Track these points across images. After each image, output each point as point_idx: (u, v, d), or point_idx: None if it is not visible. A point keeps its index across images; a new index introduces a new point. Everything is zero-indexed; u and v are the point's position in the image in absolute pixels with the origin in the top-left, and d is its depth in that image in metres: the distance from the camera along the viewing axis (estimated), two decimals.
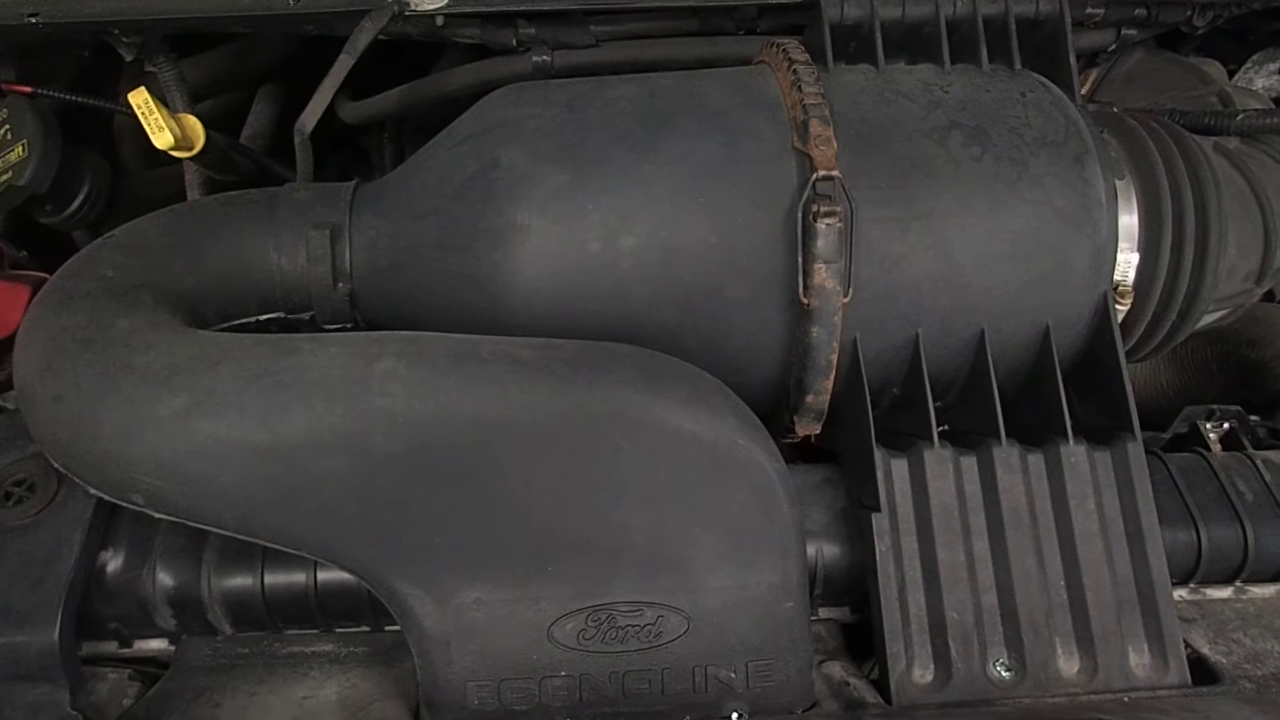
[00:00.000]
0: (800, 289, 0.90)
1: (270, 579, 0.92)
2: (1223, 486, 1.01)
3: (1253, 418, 1.12)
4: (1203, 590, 1.00)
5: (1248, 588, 1.00)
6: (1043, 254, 0.95)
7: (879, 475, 0.92)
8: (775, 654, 0.85)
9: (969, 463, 0.93)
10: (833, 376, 0.94)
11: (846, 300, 0.91)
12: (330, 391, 0.80)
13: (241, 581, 0.92)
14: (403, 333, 0.87)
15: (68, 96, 1.10)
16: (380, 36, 1.14)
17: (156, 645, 0.96)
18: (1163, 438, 1.10)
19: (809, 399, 0.96)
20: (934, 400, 1.02)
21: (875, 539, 0.90)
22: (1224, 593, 1.00)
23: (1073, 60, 1.05)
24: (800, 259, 0.90)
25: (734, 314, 0.94)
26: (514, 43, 1.16)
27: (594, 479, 0.82)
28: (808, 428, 1.00)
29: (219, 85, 1.36)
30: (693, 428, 0.82)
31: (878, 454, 0.92)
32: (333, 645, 0.95)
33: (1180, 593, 1.00)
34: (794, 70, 0.97)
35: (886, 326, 0.96)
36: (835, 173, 0.90)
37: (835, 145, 0.92)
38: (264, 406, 0.79)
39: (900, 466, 0.93)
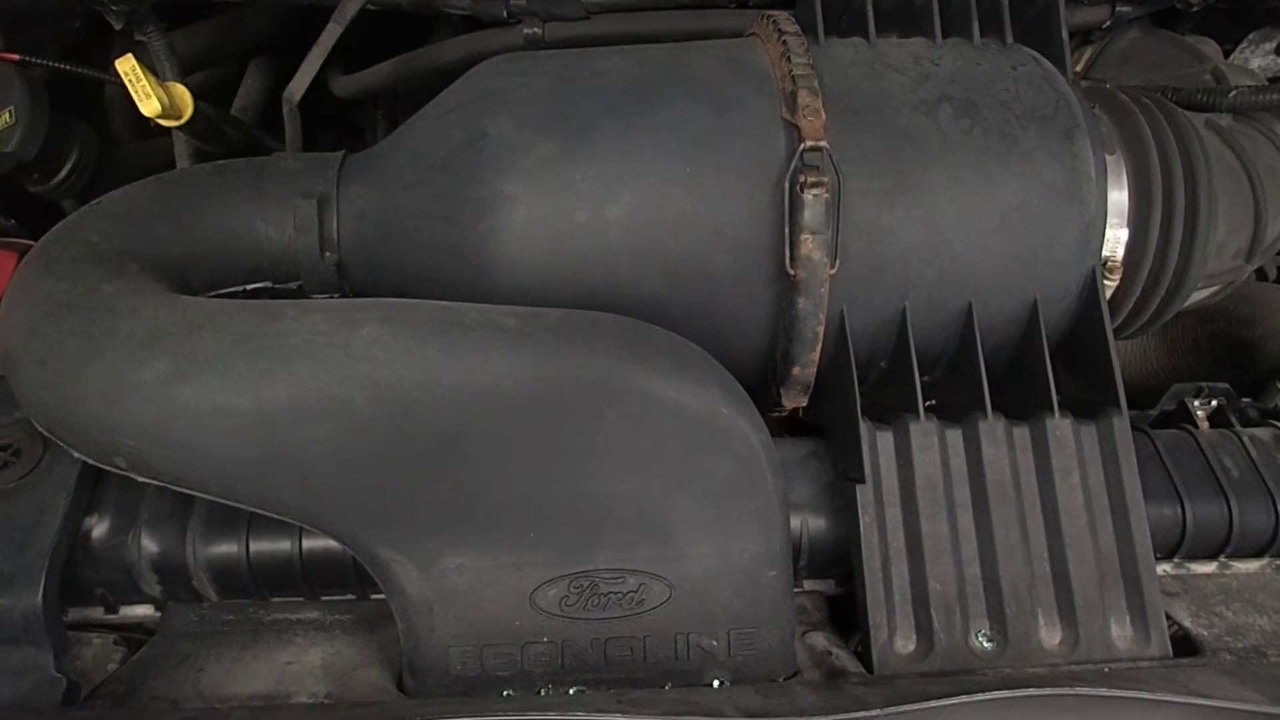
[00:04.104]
0: (787, 260, 0.90)
1: (255, 546, 0.92)
2: (1209, 463, 1.01)
3: (1244, 400, 1.12)
4: (1187, 565, 1.00)
5: (1231, 563, 1.00)
6: (1031, 228, 0.95)
7: (864, 447, 0.92)
8: (757, 623, 0.85)
9: (954, 436, 0.93)
10: (819, 349, 0.94)
11: (833, 272, 0.91)
12: (313, 357, 0.80)
13: (227, 548, 0.92)
14: (387, 299, 0.87)
15: (56, 64, 1.10)
16: (370, 6, 1.14)
17: (143, 611, 0.97)
18: (1150, 415, 1.10)
19: (795, 371, 0.96)
20: (921, 374, 1.02)
21: (859, 510, 0.90)
22: (1208, 568, 1.00)
23: (1065, 35, 1.04)
24: (787, 230, 0.90)
25: (721, 285, 0.94)
26: (505, 14, 1.16)
27: (577, 447, 0.82)
28: (794, 401, 1.00)
29: (211, 57, 1.35)
30: (677, 397, 0.82)
31: (863, 426, 0.92)
32: (318, 613, 0.95)
33: (1164, 567, 1.00)
34: (784, 42, 0.96)
35: (874, 299, 0.96)
36: (823, 143, 0.89)
37: (824, 116, 0.91)
38: (247, 371, 0.79)
39: (885, 439, 0.93)
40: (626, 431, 0.82)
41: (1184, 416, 1.11)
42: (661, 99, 0.95)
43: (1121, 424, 0.94)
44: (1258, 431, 1.05)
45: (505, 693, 0.83)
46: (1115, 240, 1.01)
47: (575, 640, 0.84)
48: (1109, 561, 0.91)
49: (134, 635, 0.97)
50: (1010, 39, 1.04)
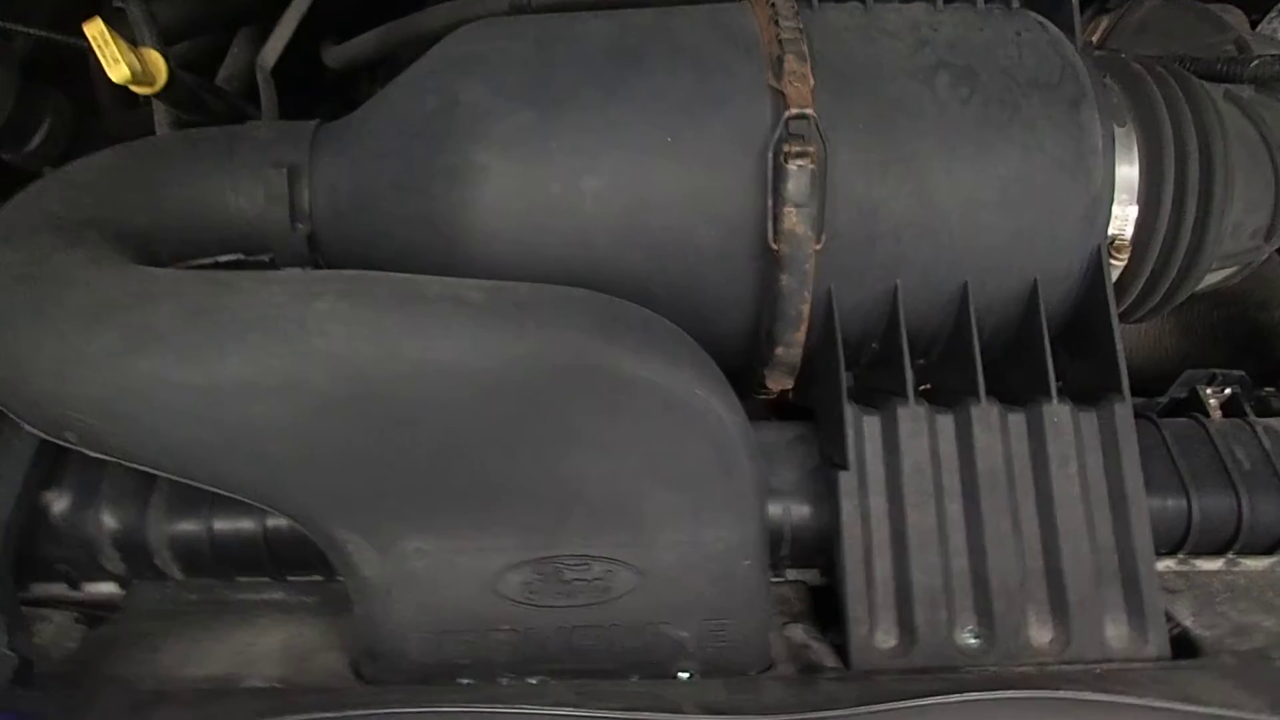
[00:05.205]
0: (770, 234, 0.86)
1: (220, 525, 0.90)
2: (1219, 453, 0.96)
3: (1267, 389, 1.07)
4: (1192, 561, 0.95)
5: (1240, 560, 0.95)
6: (1032, 203, 0.90)
7: (849, 432, 0.87)
8: (730, 614, 0.81)
9: (945, 421, 0.89)
10: (804, 328, 0.90)
11: (818, 247, 0.86)
12: (267, 331, 0.76)
13: (190, 527, 0.90)
14: (349, 272, 0.83)
15: (27, 30, 1.07)
16: None
17: (107, 589, 0.95)
18: (1159, 402, 1.05)
19: (779, 351, 0.92)
20: (917, 357, 0.98)
21: (841, 498, 0.86)
22: (1214, 564, 0.95)
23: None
24: (770, 202, 0.85)
25: (703, 261, 0.89)
26: None
27: (543, 427, 0.78)
28: (779, 382, 0.96)
29: (198, 25, 1.32)
30: (648, 376, 0.78)
31: (848, 410, 0.88)
32: (283, 594, 0.93)
33: (1168, 563, 0.95)
34: (772, 4, 0.92)
35: (864, 277, 0.91)
36: (809, 111, 0.85)
37: (812, 82, 0.87)
38: (198, 345, 0.76)
39: (873, 424, 0.89)
40: (595, 412, 0.78)
41: (1195, 405, 1.05)
42: (644, 65, 0.91)
43: (1124, 411, 0.89)
44: (1273, 422, 1.00)
45: (464, 681, 0.80)
46: (1124, 218, 0.95)
47: (539, 628, 0.80)
48: (1106, 556, 0.86)
49: (99, 613, 0.95)
50: (1016, 3, 0.99)
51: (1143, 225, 0.95)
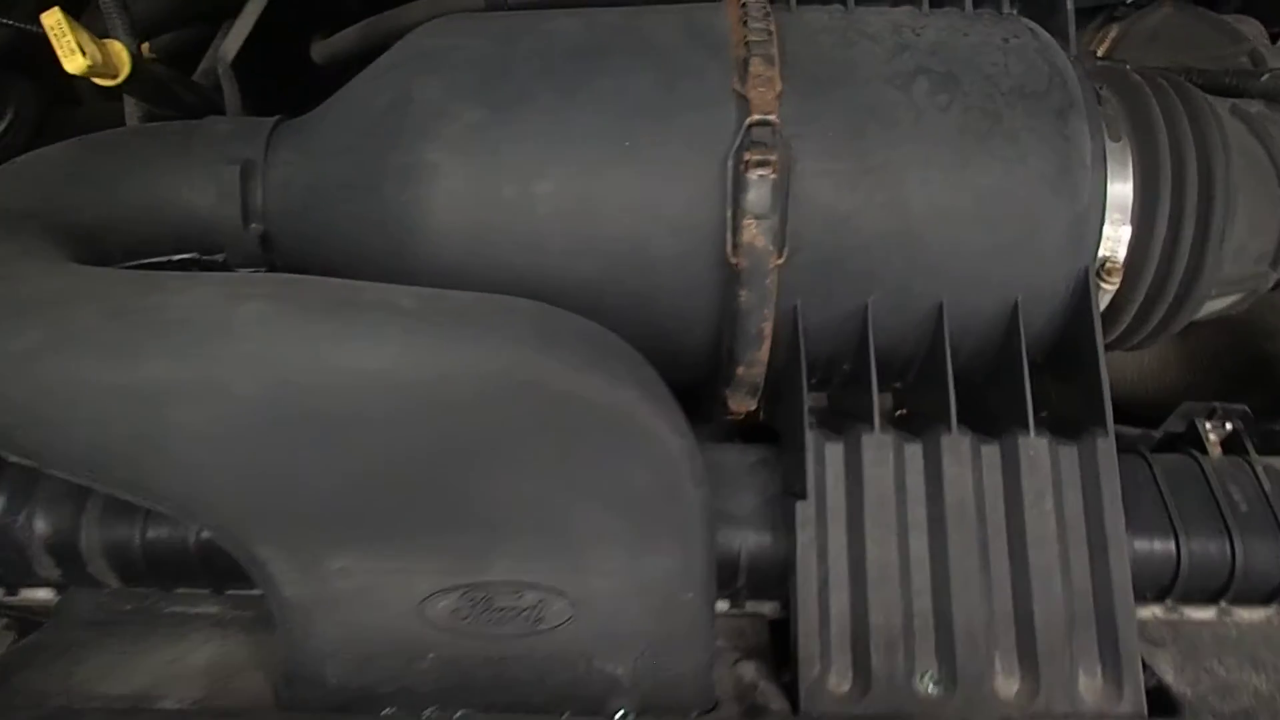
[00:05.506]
0: (729, 247, 0.81)
1: (154, 533, 0.87)
2: (1213, 493, 0.90)
3: (1277, 425, 1.00)
4: (1181, 609, 0.89)
5: (1233, 609, 0.89)
6: (1013, 218, 0.84)
7: (809, 458, 0.82)
8: (670, 649, 0.76)
9: (913, 450, 0.83)
10: (766, 347, 0.85)
11: (780, 261, 0.81)
12: (190, 333, 0.73)
13: (124, 533, 0.87)
14: (284, 275, 0.80)
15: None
16: None
17: (44, 595, 0.92)
18: (1154, 436, 0.98)
19: (740, 371, 0.87)
20: (893, 380, 0.93)
21: (798, 528, 0.81)
22: (1205, 613, 0.89)
23: (1069, 5, 0.93)
24: (730, 213, 0.81)
25: (660, 272, 0.85)
26: None
27: (473, 443, 0.74)
28: (742, 403, 0.91)
29: (179, 18, 1.30)
30: (584, 393, 0.73)
31: (809, 435, 0.83)
32: (219, 607, 0.89)
33: (1154, 610, 0.89)
34: (743, 4, 0.87)
35: (833, 293, 0.86)
36: (772, 117, 0.80)
37: (778, 87, 0.82)
38: (118, 346, 0.72)
39: (835, 450, 0.83)
40: (529, 429, 0.74)
41: (1193, 439, 0.99)
42: (607, 65, 0.87)
43: (1106, 445, 0.83)
44: (1275, 461, 0.93)
45: (387, 711, 0.75)
46: (1116, 238, 0.89)
47: (466, 658, 0.76)
48: (1081, 600, 0.80)
49: (37, 618, 0.92)
50: (1007, 8, 0.93)
51: (1137, 247, 0.89)
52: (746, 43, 0.84)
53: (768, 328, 0.84)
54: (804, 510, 0.81)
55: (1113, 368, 1.18)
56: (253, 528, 0.75)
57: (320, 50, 1.28)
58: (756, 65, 0.82)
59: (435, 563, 0.75)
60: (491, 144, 0.84)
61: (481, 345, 0.74)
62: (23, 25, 0.99)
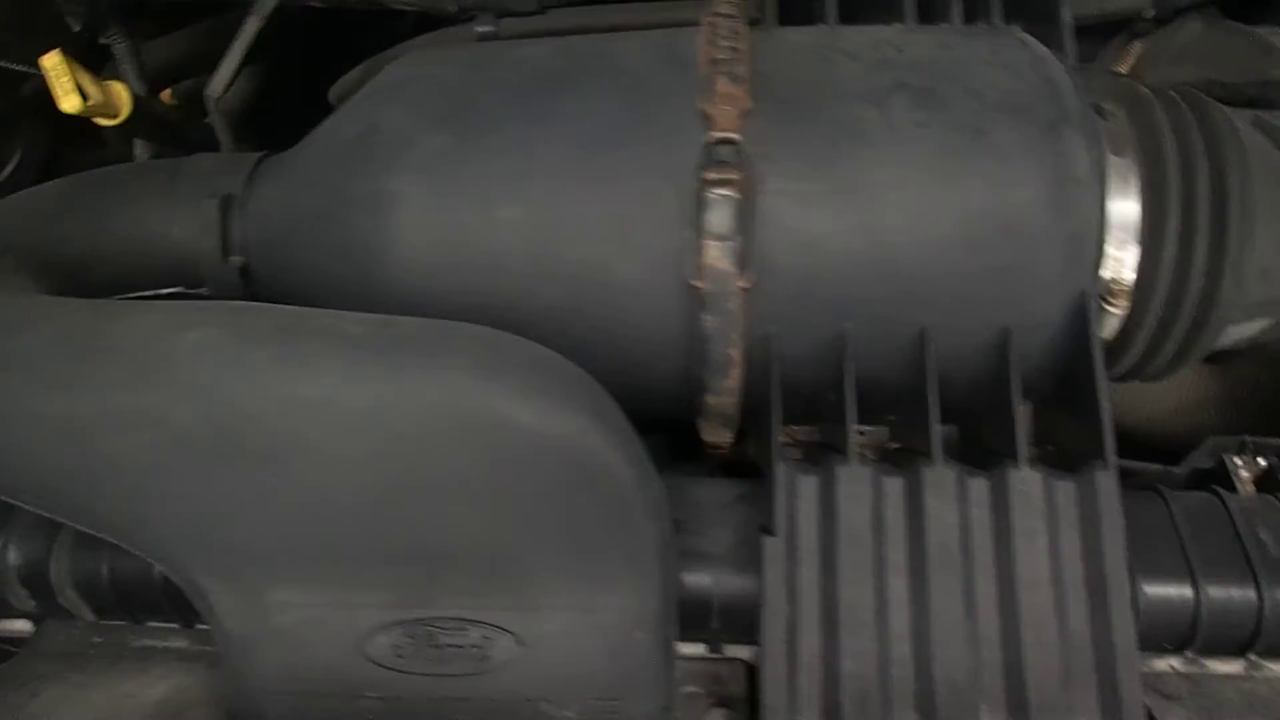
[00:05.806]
0: (691, 269, 0.77)
1: (121, 564, 0.86)
2: (1239, 535, 0.82)
3: None
4: (1203, 662, 0.81)
5: (1264, 663, 0.80)
6: (1001, 239, 0.79)
7: (778, 493, 0.77)
8: (622, 693, 0.72)
9: (893, 484, 0.78)
10: (735, 375, 0.81)
11: (744, 285, 0.78)
12: (133, 360, 0.72)
13: (91, 565, 0.86)
14: (237, 303, 0.79)
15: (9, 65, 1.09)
16: (317, 4, 1.09)
17: (21, 626, 0.92)
18: (1174, 472, 0.90)
19: (710, 401, 0.83)
20: (885, 412, 0.87)
21: (766, 566, 0.76)
22: (1231, 666, 0.80)
23: (1065, 16, 0.88)
24: (692, 234, 0.77)
25: (626, 298, 0.82)
26: (456, 10, 1.08)
27: (417, 474, 0.71)
28: (715, 435, 0.87)
29: (199, 62, 1.33)
30: (531, 421, 0.70)
31: (779, 468, 0.78)
32: (186, 642, 0.88)
33: (1171, 662, 0.81)
34: (712, 23, 0.84)
35: (809, 321, 0.82)
36: (735, 135, 0.77)
37: (745, 104, 0.79)
38: (59, 372, 0.72)
39: (809, 484, 0.78)
40: (474, 459, 0.71)
41: (1223, 477, 0.91)
42: (574, 91, 0.85)
43: (1107, 480, 0.76)
44: None
45: None
46: (1121, 260, 0.83)
47: (408, 698, 0.73)
48: (1078, 650, 0.73)
49: (14, 650, 0.92)
50: (999, 21, 0.89)
51: (1145, 268, 0.83)
52: (713, 61, 0.81)
53: (736, 354, 0.80)
54: (772, 547, 0.76)
55: (1146, 402, 1.11)
56: (194, 558, 0.74)
57: (333, 91, 1.30)
58: (722, 84, 0.79)
59: (377, 597, 0.73)
60: (455, 171, 0.83)
61: (423, 372, 0.72)
62: (28, 69, 1.02)
